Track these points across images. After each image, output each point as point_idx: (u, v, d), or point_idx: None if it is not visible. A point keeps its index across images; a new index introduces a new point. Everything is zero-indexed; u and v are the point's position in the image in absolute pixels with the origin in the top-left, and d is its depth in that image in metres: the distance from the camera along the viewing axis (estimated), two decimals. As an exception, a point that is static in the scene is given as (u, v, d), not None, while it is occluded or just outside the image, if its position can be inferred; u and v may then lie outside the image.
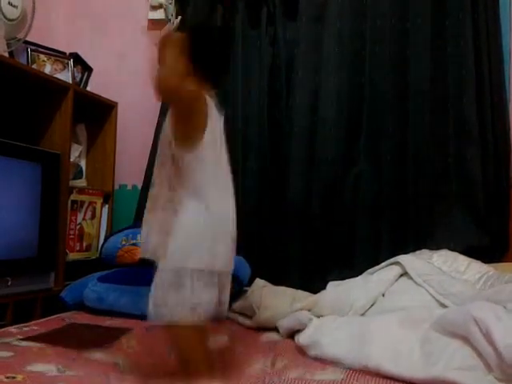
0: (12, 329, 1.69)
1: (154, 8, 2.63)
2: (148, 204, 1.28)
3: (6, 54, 2.10)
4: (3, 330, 1.68)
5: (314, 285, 1.91)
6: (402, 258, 1.73)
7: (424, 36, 2.16)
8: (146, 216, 1.28)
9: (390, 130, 2.18)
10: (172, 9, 2.55)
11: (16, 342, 1.52)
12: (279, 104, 2.35)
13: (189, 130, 1.22)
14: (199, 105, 1.22)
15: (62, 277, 2.15)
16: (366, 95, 2.23)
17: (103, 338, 1.64)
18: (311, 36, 2.32)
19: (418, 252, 1.83)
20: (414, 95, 2.17)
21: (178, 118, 1.22)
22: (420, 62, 2.17)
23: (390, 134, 2.18)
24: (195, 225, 1.19)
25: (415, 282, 1.64)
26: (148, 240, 1.25)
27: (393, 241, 2.05)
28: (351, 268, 1.95)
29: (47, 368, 1.27)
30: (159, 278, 1.21)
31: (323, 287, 1.85)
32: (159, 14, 2.63)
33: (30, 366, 1.28)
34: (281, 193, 2.26)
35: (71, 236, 2.27)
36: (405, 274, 1.71)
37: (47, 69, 2.35)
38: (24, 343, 1.52)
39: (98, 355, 1.47)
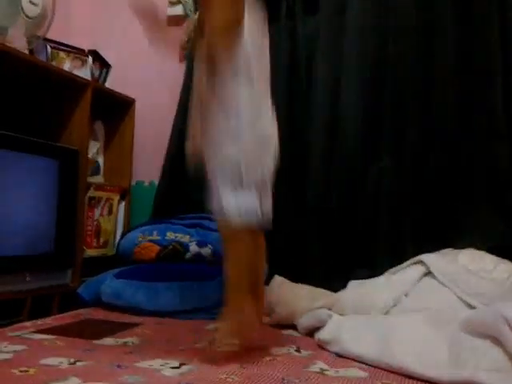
0: (26, 323, 1.69)
1: (172, 4, 2.60)
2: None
3: (27, 52, 2.09)
4: (18, 324, 1.68)
5: (334, 283, 1.87)
6: (425, 257, 1.69)
7: (448, 27, 2.10)
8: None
9: (413, 126, 2.12)
10: (191, 4, 2.51)
11: (28, 335, 1.52)
12: (298, 100, 2.31)
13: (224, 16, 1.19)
14: None
15: (79, 273, 2.14)
16: (388, 90, 2.17)
17: (116, 330, 1.65)
18: (332, 31, 2.27)
19: (442, 251, 1.77)
20: (438, 89, 2.11)
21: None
22: (445, 55, 2.10)
23: (413, 129, 2.11)
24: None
25: (440, 282, 1.59)
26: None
27: (416, 239, 1.98)
28: (373, 267, 1.89)
29: (59, 360, 1.26)
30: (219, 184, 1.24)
31: (343, 286, 1.81)
32: (178, 10, 2.60)
33: (43, 359, 1.27)
34: (300, 189, 2.21)
35: (88, 232, 2.27)
36: (429, 273, 1.66)
37: (66, 66, 2.34)
38: (36, 336, 1.52)
39: (108, 341, 1.49)
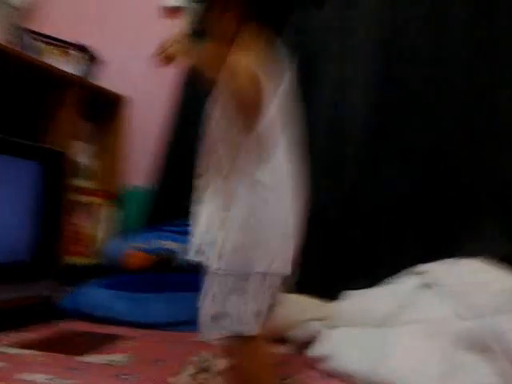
0: (2, 336, 1.70)
1: (169, -6, 2.62)
2: (195, 196, 1.16)
3: (7, 44, 2.10)
4: None
5: (332, 293, 1.85)
6: (424, 268, 1.70)
7: (461, 25, 2.10)
8: (194, 209, 1.15)
9: (419, 129, 2.11)
10: (188, -5, 2.52)
11: (6, 350, 1.53)
12: (302, 99, 2.28)
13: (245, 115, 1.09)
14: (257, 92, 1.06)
15: (59, 282, 2.12)
16: (396, 89, 2.16)
17: (98, 344, 1.66)
18: (338, 25, 2.27)
19: (441, 261, 1.76)
20: (448, 91, 2.10)
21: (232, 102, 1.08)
22: (457, 56, 2.11)
23: (420, 133, 2.11)
24: (252, 219, 1.07)
25: (438, 293, 1.59)
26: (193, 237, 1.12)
27: (418, 249, 1.98)
28: (372, 277, 1.87)
29: (38, 377, 1.27)
30: (215, 285, 1.07)
31: (337, 297, 1.80)
32: (175, 1, 2.62)
33: (19, 374, 1.28)
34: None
35: (72, 239, 2.26)
36: (426, 284, 1.66)
37: (54, 60, 2.34)
38: (13, 350, 1.53)
39: (91, 358, 1.49)
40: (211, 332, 1.06)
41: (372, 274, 1.86)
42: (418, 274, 1.69)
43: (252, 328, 1.04)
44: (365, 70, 2.21)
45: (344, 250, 2.09)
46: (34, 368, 1.33)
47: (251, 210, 1.07)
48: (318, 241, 2.11)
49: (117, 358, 1.51)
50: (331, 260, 2.09)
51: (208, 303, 1.07)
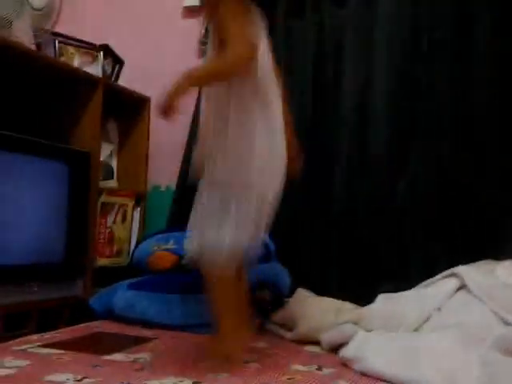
0: (33, 337, 1.72)
1: (189, -7, 2.62)
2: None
3: (33, 46, 2.12)
4: (23, 338, 1.70)
5: (361, 297, 1.86)
6: (460, 270, 1.66)
7: (490, 20, 2.07)
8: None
9: (449, 128, 2.09)
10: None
11: (34, 349, 1.55)
12: (324, 100, 2.29)
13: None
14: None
15: (90, 283, 2.17)
16: (422, 88, 2.15)
17: (128, 344, 1.68)
18: (360, 23, 2.26)
19: (478, 263, 1.75)
20: (477, 88, 2.08)
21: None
22: (485, 51, 2.08)
23: (449, 132, 2.09)
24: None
25: (475, 296, 1.56)
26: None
27: (450, 251, 1.95)
28: (403, 280, 1.88)
29: (65, 377, 1.28)
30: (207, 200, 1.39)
31: (371, 300, 1.80)
32: (194, 1, 2.63)
33: (47, 375, 1.29)
34: (324, 196, 2.21)
35: (101, 240, 2.29)
36: (463, 286, 1.64)
37: (76, 61, 2.36)
38: (42, 350, 1.55)
39: (119, 356, 1.51)
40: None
41: (406, 277, 1.87)
42: (453, 276, 1.67)
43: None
44: (385, 68, 2.20)
45: (377, 253, 2.08)
46: (61, 368, 1.35)
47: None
48: (351, 244, 2.13)
49: (141, 356, 1.53)
50: (365, 263, 2.08)
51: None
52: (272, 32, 2.28)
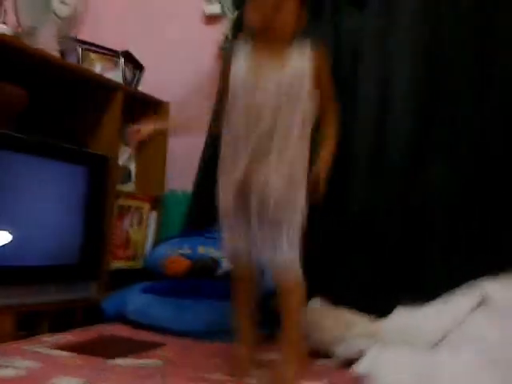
0: (44, 338, 1.73)
1: (209, 2, 2.63)
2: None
3: (57, 53, 2.16)
4: (34, 338, 1.72)
5: (378, 308, 1.80)
6: (483, 283, 1.60)
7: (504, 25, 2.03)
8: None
9: (472, 128, 2.03)
10: (229, 2, 2.52)
11: (44, 350, 1.55)
12: (342, 100, 2.27)
13: None
14: None
15: (104, 286, 2.17)
16: (442, 90, 2.11)
17: (136, 349, 1.67)
18: (380, 26, 2.23)
19: (502, 276, 1.64)
20: (501, 87, 2.02)
21: None
22: (507, 51, 2.02)
23: (473, 132, 2.03)
24: None
25: (499, 312, 1.51)
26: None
27: (474, 261, 1.87)
28: (422, 291, 1.81)
29: (72, 381, 1.28)
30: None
31: (388, 311, 1.74)
32: (215, 9, 2.63)
33: (55, 378, 1.29)
34: (341, 200, 2.15)
35: (116, 243, 2.29)
36: (486, 301, 1.57)
37: (97, 68, 2.40)
38: (53, 352, 1.55)
39: (126, 362, 1.50)
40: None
41: (424, 291, 1.80)
42: (474, 290, 1.61)
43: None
44: (404, 70, 2.16)
45: (391, 262, 2.03)
46: (68, 371, 1.35)
47: None
48: (367, 255, 2.08)
49: (149, 362, 1.53)
50: (381, 275, 2.03)
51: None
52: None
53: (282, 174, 1.41)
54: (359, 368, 1.43)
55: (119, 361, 1.50)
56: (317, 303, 1.87)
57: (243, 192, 1.44)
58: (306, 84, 1.42)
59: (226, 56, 1.50)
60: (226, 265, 2.03)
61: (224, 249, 1.59)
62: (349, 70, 2.27)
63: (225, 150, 1.50)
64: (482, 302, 1.57)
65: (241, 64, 1.44)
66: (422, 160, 2.10)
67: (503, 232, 1.91)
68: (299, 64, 1.43)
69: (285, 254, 1.43)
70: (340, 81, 2.24)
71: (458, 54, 2.10)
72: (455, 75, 2.09)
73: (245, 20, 1.45)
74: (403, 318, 1.67)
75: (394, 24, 2.20)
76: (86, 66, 2.35)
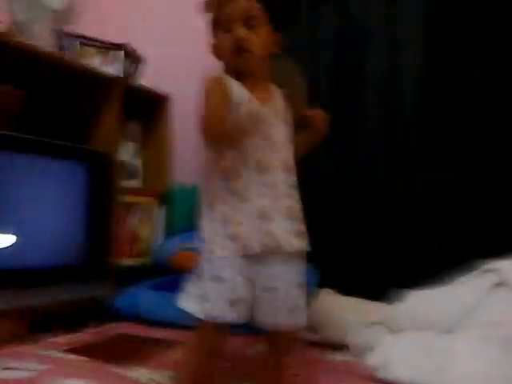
0: (58, 339, 1.72)
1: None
2: (266, 191, 1.18)
3: (52, 47, 2.11)
4: (47, 340, 1.71)
5: (391, 296, 1.73)
6: (499, 264, 1.54)
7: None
8: (268, 204, 1.17)
9: (481, 122, 1.99)
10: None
11: (57, 354, 1.53)
12: (348, 90, 2.22)
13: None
14: None
15: (114, 284, 2.15)
16: (451, 77, 2.06)
17: (144, 352, 1.64)
18: (387, 10, 2.18)
19: None
20: (503, 90, 1.97)
21: None
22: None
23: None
24: None
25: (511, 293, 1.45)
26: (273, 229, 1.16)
27: (486, 245, 1.84)
28: (436, 275, 1.70)
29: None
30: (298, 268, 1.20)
31: (400, 298, 1.68)
32: (217, 0, 2.56)
33: (56, 379, 1.26)
34: (351, 193, 2.15)
35: (124, 240, 2.27)
36: (503, 283, 1.51)
37: (96, 61, 2.36)
38: (66, 355, 1.53)
39: (135, 373, 1.44)
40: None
41: (436, 272, 1.72)
42: (488, 271, 1.56)
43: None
44: (411, 56, 2.12)
45: (403, 250, 2.01)
46: (79, 374, 1.33)
47: None
48: (367, 254, 2.07)
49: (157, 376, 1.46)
50: (388, 260, 2.02)
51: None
52: (296, 19, 2.26)
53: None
54: (372, 359, 1.40)
55: (134, 373, 1.43)
56: (329, 293, 1.83)
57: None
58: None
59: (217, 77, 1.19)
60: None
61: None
62: (354, 57, 2.23)
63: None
64: (498, 284, 1.51)
65: (241, 92, 1.21)
66: (423, 160, 2.08)
67: (503, 232, 1.88)
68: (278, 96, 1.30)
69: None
70: (345, 68, 2.22)
71: (468, 37, 2.04)
72: (464, 60, 2.04)
73: (214, 48, 1.27)
74: (416, 302, 1.60)
75: (402, 11, 2.15)
76: (84, 60, 2.31)
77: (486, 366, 1.20)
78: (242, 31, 1.18)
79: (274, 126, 1.22)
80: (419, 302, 1.62)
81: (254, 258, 1.15)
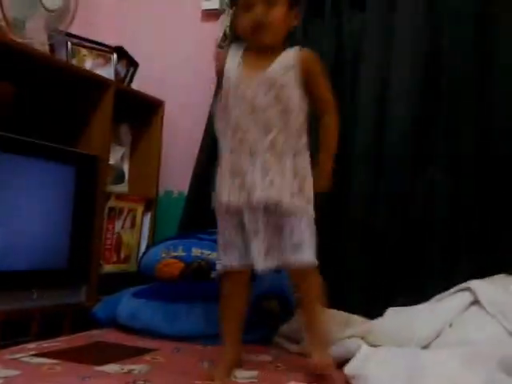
0: (30, 345, 1.68)
1: (207, -3, 2.60)
2: (239, 148, 1.41)
3: (46, 48, 2.13)
4: (19, 345, 1.66)
5: (375, 309, 1.80)
6: (473, 284, 1.62)
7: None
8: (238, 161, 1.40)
9: (469, 133, 2.04)
10: (226, -1, 2.49)
11: (27, 359, 1.51)
12: (342, 102, 2.22)
13: None
14: None
15: (95, 290, 2.15)
16: (443, 91, 2.10)
17: (126, 355, 1.62)
18: (381, 26, 2.23)
19: (493, 277, 1.70)
20: (499, 93, 2.02)
21: None
22: (506, 52, 2.02)
23: (470, 136, 2.04)
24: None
25: (488, 313, 1.52)
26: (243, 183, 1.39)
27: (470, 263, 1.89)
28: (419, 292, 1.82)
29: None
30: (305, 223, 1.40)
31: (382, 313, 1.75)
32: (213, 4, 2.61)
33: None
34: (341, 201, 2.14)
35: (108, 246, 2.28)
36: (476, 302, 1.59)
37: (88, 63, 2.36)
38: (36, 359, 1.50)
39: (112, 368, 1.46)
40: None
41: (417, 290, 1.82)
42: (466, 291, 1.63)
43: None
44: (404, 71, 2.15)
45: (388, 263, 2.02)
46: (49, 379, 1.32)
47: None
48: (361, 254, 2.07)
49: (137, 367, 1.48)
50: (375, 275, 2.03)
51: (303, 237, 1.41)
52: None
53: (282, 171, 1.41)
54: (350, 368, 1.40)
55: (105, 367, 1.46)
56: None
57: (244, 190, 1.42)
58: (291, 81, 1.43)
59: (221, 56, 1.52)
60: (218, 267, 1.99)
61: (220, 250, 1.51)
62: (350, 72, 2.27)
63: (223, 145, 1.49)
64: (473, 303, 1.59)
65: (233, 65, 1.46)
66: (422, 161, 2.10)
67: (503, 232, 1.92)
68: (284, 62, 1.44)
69: (307, 252, 1.40)
70: (341, 82, 2.25)
71: (459, 54, 2.09)
72: (455, 77, 2.09)
73: (236, 26, 1.49)
74: (395, 318, 1.66)
75: (395, 25, 2.20)
76: (76, 61, 2.31)
77: (457, 379, 1.22)
78: (260, 10, 1.39)
79: (255, 92, 1.40)
80: (398, 317, 1.66)
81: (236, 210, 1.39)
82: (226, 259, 1.46)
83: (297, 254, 1.38)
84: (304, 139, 1.45)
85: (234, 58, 1.47)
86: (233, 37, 2.35)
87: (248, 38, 1.45)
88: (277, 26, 1.42)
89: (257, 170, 1.37)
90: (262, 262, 1.39)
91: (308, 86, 1.45)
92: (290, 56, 1.44)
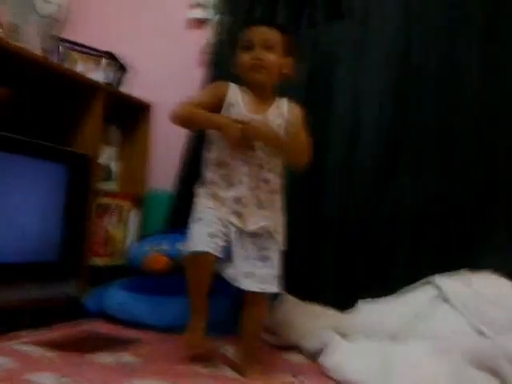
0: (22, 335, 1.75)
1: (193, 7, 2.69)
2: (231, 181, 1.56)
3: (39, 52, 2.21)
4: (12, 335, 1.73)
5: (348, 303, 1.90)
6: (438, 279, 1.72)
7: (477, 37, 2.13)
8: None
9: (434, 142, 2.15)
10: (213, 6, 2.57)
11: (19, 347, 1.58)
12: (317, 112, 2.33)
13: None
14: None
15: (85, 283, 2.23)
16: (412, 102, 2.21)
17: (114, 345, 1.71)
18: (354, 39, 2.32)
19: (455, 273, 1.78)
20: (463, 104, 2.14)
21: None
22: (471, 68, 2.14)
23: (435, 145, 2.15)
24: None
25: (452, 306, 1.61)
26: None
27: (433, 260, 1.99)
28: (387, 288, 1.90)
29: (45, 376, 1.30)
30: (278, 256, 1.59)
31: (354, 305, 1.85)
32: (199, 13, 2.70)
33: (28, 374, 1.31)
34: (314, 205, 2.25)
35: (97, 241, 2.34)
36: (441, 295, 1.68)
37: (79, 67, 2.44)
38: (29, 348, 1.57)
39: (103, 357, 1.54)
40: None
41: (387, 284, 1.89)
42: (431, 284, 1.71)
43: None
44: (380, 82, 2.25)
45: (359, 262, 2.11)
46: (42, 367, 1.38)
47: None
48: (332, 250, 2.16)
49: (127, 357, 1.57)
50: (345, 269, 2.12)
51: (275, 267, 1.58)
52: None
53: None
54: (324, 359, 1.50)
55: (94, 356, 1.54)
56: (288, 298, 1.92)
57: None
58: (280, 129, 1.57)
59: (222, 86, 1.62)
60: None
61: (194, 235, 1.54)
62: (324, 84, 2.35)
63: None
64: (440, 296, 1.67)
65: (238, 98, 1.58)
66: (392, 172, 2.19)
67: (460, 236, 2.02)
68: (279, 110, 1.60)
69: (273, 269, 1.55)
70: (315, 94, 2.33)
71: (429, 66, 2.18)
72: (429, 87, 2.18)
73: (236, 64, 1.60)
74: (366, 311, 1.75)
75: (370, 37, 2.28)
76: (67, 65, 2.39)
77: (421, 373, 1.31)
78: (259, 51, 1.54)
79: None
80: (370, 311, 1.76)
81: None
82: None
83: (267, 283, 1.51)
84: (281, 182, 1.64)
85: (235, 90, 1.59)
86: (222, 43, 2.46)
87: (245, 74, 1.58)
88: (272, 67, 1.55)
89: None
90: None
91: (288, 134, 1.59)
92: (284, 106, 1.60)
